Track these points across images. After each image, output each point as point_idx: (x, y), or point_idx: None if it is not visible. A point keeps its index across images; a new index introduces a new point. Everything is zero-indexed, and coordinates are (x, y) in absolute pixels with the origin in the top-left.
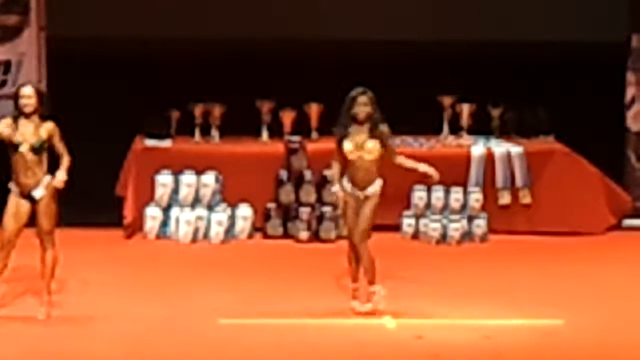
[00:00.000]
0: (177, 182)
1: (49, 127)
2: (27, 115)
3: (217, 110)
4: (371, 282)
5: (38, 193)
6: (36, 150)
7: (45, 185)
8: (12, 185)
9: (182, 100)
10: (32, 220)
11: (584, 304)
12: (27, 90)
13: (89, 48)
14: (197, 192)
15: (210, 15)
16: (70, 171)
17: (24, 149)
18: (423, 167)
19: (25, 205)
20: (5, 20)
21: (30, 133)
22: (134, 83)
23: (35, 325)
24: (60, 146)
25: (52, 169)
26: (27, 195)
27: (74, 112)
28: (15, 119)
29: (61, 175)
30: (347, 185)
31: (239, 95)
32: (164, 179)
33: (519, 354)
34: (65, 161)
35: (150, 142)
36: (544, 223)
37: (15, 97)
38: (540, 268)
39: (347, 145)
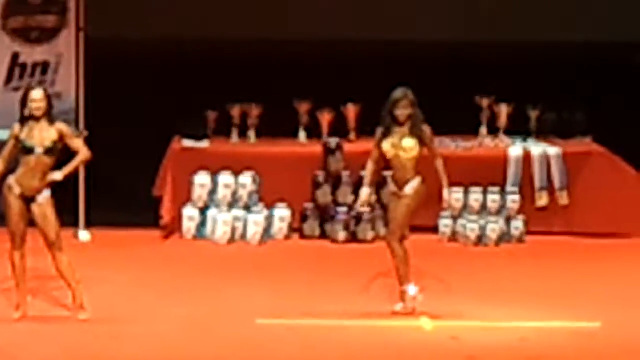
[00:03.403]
0: (214, 183)
1: (59, 127)
2: (37, 119)
3: (254, 111)
4: (403, 282)
5: (43, 197)
6: (50, 151)
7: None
8: (13, 184)
9: (219, 101)
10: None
11: (621, 307)
12: (38, 94)
13: (127, 49)
14: (234, 193)
15: (248, 16)
16: (108, 172)
17: (39, 151)
18: (445, 186)
19: (24, 207)
20: (44, 21)
21: (43, 136)
22: (171, 84)
23: (72, 326)
24: (75, 143)
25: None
26: (27, 197)
27: (111, 113)
28: (23, 124)
29: (64, 171)
30: (391, 184)
31: (276, 96)
32: (201, 180)
33: (556, 357)
34: (80, 155)
35: (187, 143)
36: (582, 224)
37: (24, 101)
38: (577, 270)
39: (386, 145)
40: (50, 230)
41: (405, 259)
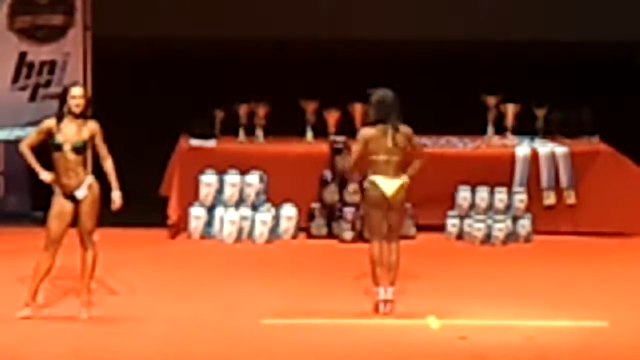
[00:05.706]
0: (221, 182)
1: (92, 127)
2: (75, 116)
3: (261, 110)
4: (376, 283)
5: (80, 193)
6: (78, 150)
7: (87, 186)
8: (55, 186)
9: (226, 100)
10: (74, 220)
11: (628, 306)
12: (78, 91)
13: (134, 48)
14: (241, 192)
15: (255, 15)
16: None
17: (66, 148)
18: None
19: (68, 206)
20: (51, 20)
21: (72, 133)
22: (178, 83)
23: (79, 324)
24: (102, 147)
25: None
26: (69, 196)
27: (118, 112)
28: (59, 120)
29: (117, 195)
30: None
31: (283, 95)
32: (208, 179)
33: (563, 356)
34: (111, 170)
35: (195, 142)
36: (589, 224)
37: (63, 97)
38: (584, 269)
39: None
40: (79, 226)
41: (381, 260)
